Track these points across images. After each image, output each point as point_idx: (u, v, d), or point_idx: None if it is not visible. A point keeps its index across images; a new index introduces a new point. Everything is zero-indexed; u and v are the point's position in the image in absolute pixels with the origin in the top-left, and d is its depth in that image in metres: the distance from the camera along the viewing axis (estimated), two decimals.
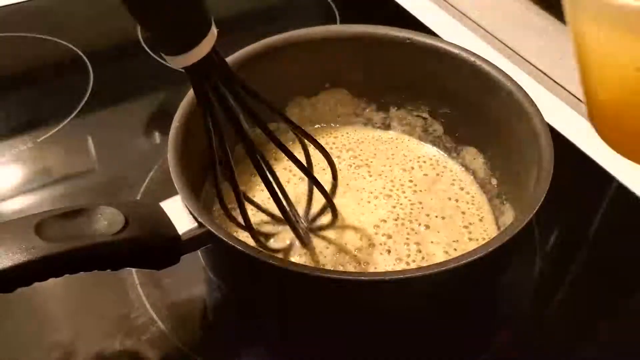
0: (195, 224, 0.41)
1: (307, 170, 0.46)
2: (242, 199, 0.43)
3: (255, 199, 0.49)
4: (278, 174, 0.46)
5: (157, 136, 0.63)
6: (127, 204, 0.42)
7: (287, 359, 0.48)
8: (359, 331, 0.45)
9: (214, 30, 0.36)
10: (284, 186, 0.46)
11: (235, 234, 0.48)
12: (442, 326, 0.47)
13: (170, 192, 0.42)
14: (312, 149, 0.47)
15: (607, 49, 0.34)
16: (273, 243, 0.49)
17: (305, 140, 0.46)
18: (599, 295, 0.51)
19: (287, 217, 0.44)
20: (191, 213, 0.41)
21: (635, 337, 0.49)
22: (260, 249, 0.45)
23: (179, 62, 0.36)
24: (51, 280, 0.37)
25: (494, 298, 0.51)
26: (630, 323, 0.50)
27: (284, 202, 0.44)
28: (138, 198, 0.56)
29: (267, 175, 0.42)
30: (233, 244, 0.39)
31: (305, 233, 0.48)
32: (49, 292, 0.50)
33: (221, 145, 0.40)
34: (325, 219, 0.50)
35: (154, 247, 0.40)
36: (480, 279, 0.47)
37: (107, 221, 0.38)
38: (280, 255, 0.48)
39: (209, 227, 0.40)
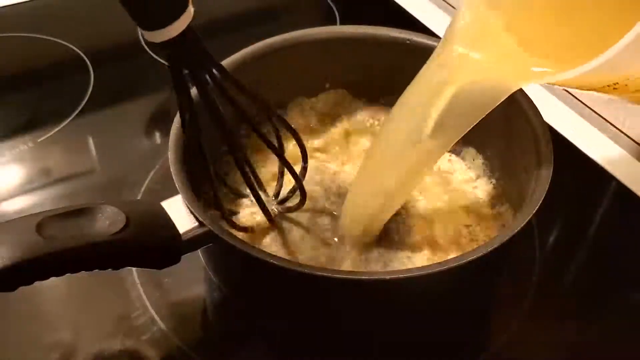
0: (196, 224, 0.41)
1: (277, 151, 0.46)
2: (213, 178, 0.44)
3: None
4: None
5: (157, 136, 0.64)
6: (128, 204, 0.42)
7: (287, 358, 0.48)
8: (358, 330, 0.45)
9: (190, 9, 0.38)
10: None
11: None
12: (441, 325, 0.47)
13: (170, 192, 0.42)
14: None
15: None
16: (243, 221, 0.49)
17: (277, 124, 0.47)
18: (599, 295, 0.51)
19: (256, 196, 0.46)
20: (192, 212, 0.41)
21: (636, 336, 0.49)
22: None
23: (154, 37, 0.38)
24: (51, 280, 0.37)
25: (493, 298, 0.51)
26: (630, 323, 0.50)
27: (255, 183, 0.46)
28: (139, 198, 0.56)
29: (241, 161, 0.44)
30: (233, 244, 0.39)
31: (274, 214, 0.49)
32: (49, 292, 0.50)
33: (193, 125, 0.42)
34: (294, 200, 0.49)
35: (155, 246, 0.40)
36: (480, 279, 0.47)
37: (108, 220, 0.38)
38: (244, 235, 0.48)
39: (210, 227, 0.40)
